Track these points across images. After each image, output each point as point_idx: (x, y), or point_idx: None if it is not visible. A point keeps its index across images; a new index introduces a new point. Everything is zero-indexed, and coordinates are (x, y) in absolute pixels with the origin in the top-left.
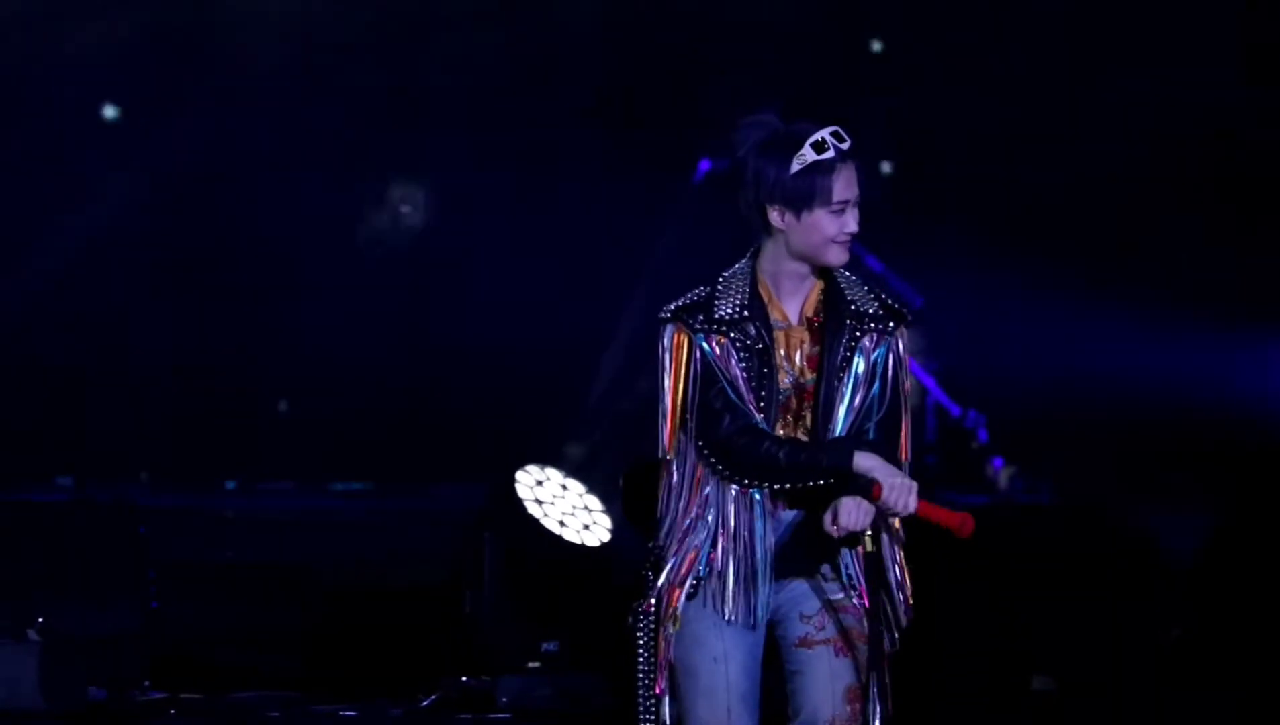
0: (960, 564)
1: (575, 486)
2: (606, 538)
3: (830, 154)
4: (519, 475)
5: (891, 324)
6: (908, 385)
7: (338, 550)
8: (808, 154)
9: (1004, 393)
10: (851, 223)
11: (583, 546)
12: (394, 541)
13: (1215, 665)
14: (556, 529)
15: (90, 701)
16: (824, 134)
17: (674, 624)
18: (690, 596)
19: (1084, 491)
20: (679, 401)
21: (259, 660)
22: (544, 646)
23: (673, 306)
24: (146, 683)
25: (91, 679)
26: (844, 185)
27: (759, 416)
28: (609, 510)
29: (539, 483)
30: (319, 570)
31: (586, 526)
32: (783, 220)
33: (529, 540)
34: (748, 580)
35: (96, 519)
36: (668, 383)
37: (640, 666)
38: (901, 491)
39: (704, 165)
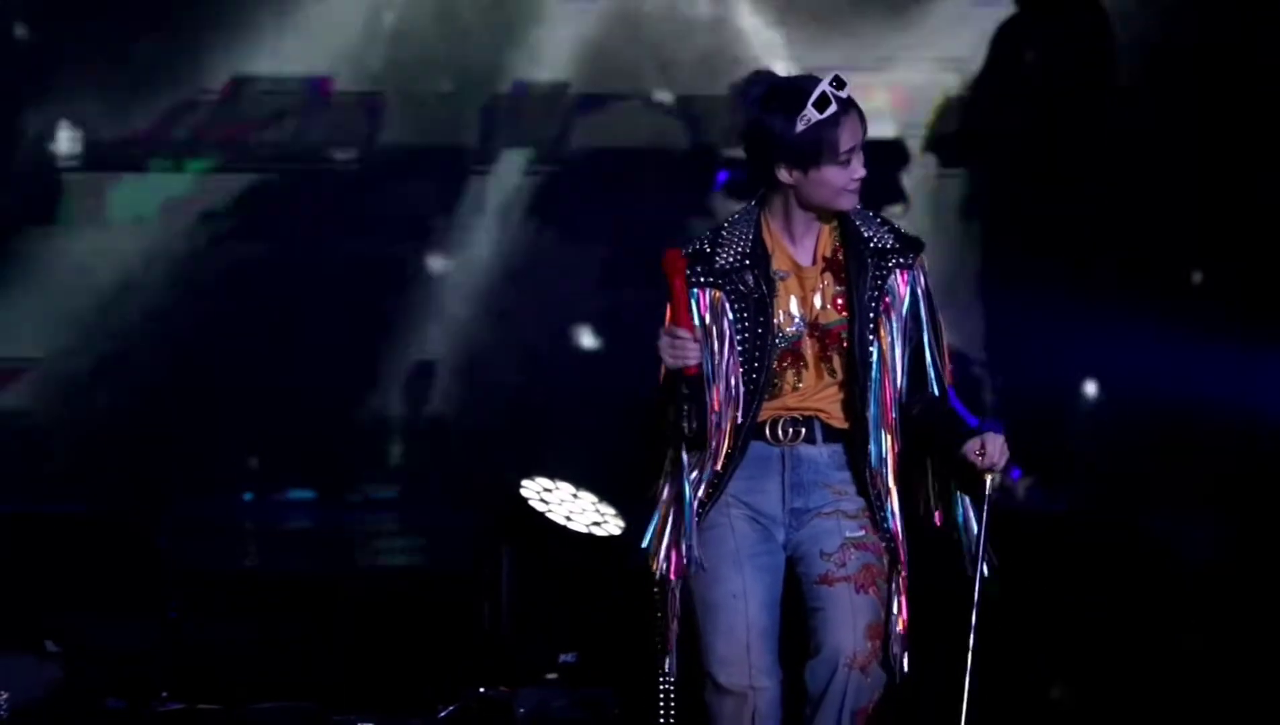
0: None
1: (586, 496)
2: (617, 532)
3: (833, 108)
4: (525, 482)
5: (911, 255)
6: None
7: (356, 562)
8: (811, 113)
9: (1021, 402)
10: (859, 169)
11: (590, 536)
12: (412, 553)
13: (1233, 674)
14: (561, 521)
15: (108, 712)
16: (825, 88)
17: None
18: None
19: (1102, 501)
20: None
21: (277, 671)
22: (561, 658)
23: (678, 253)
24: (165, 693)
25: (110, 690)
26: (849, 136)
27: (743, 376)
28: (621, 515)
29: (546, 490)
30: (337, 581)
31: (596, 523)
32: (790, 176)
33: (534, 533)
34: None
35: (114, 530)
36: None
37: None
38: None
39: (722, 176)
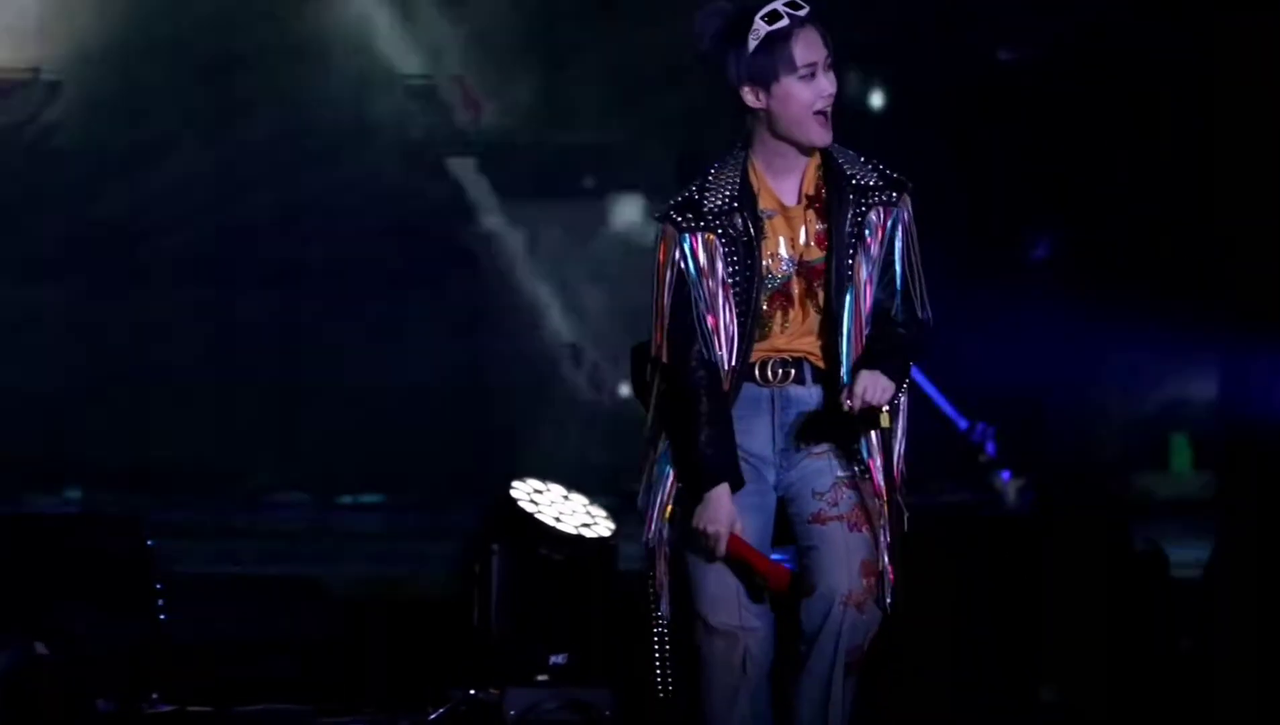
0: (967, 574)
1: (578, 498)
2: (606, 534)
3: (784, 22)
4: (515, 483)
5: (894, 194)
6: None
7: (346, 563)
8: (760, 27)
9: (1012, 405)
10: (826, 85)
11: (580, 537)
12: (402, 554)
13: (1230, 675)
14: (551, 522)
15: (98, 714)
16: (775, 5)
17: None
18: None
19: (1093, 503)
20: (664, 305)
21: (267, 673)
22: (552, 659)
23: (667, 204)
24: (155, 695)
25: (99, 692)
26: (805, 48)
27: (736, 318)
28: (612, 517)
29: (537, 491)
30: (327, 583)
31: (586, 524)
32: (757, 98)
33: (523, 534)
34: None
35: (104, 531)
36: (657, 284)
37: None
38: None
39: None
